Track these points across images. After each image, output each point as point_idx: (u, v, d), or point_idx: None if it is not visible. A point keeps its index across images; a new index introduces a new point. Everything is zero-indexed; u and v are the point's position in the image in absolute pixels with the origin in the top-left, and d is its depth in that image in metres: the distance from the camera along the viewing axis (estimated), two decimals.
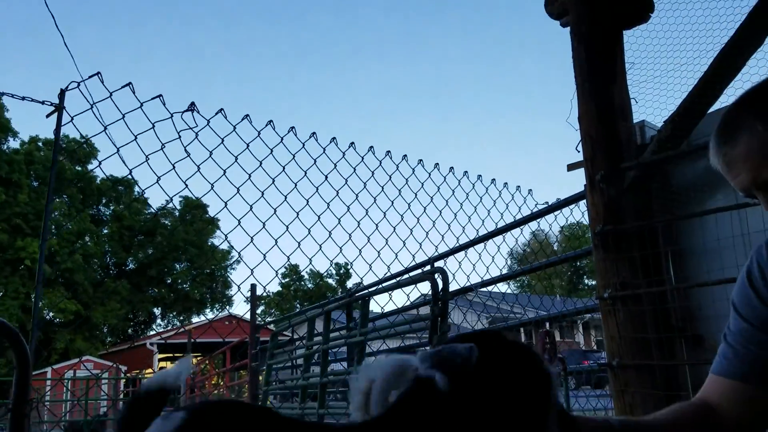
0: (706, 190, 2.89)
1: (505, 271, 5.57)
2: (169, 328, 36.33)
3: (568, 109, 3.41)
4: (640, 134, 3.10)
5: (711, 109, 2.80)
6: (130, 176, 3.01)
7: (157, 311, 37.97)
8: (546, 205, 4.22)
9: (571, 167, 3.44)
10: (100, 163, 3.51)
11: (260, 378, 8.14)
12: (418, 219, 4.23)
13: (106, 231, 34.99)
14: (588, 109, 3.02)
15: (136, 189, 33.01)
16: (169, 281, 36.51)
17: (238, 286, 9.26)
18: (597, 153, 2.98)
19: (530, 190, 4.80)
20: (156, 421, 0.87)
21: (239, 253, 3.62)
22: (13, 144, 30.45)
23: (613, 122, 2.98)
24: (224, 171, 3.21)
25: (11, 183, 28.89)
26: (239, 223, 3.34)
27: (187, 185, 3.09)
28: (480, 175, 4.61)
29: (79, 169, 33.42)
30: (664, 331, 3.14)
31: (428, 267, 4.23)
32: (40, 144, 30.90)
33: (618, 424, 1.23)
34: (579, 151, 3.12)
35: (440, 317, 3.42)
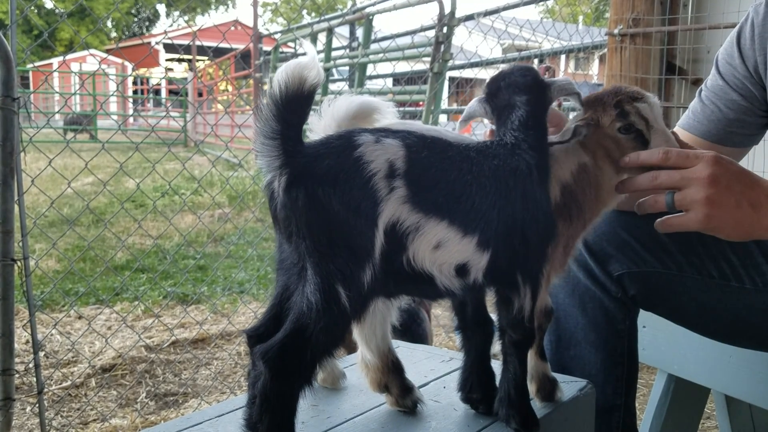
0: None
1: None
2: (173, 27, 35.59)
3: None
4: None
5: None
6: None
7: (161, 8, 36.89)
8: None
9: None
10: None
11: (264, 88, 8.22)
12: None
13: None
14: None
15: None
16: None
17: None
18: None
19: None
20: (365, 141, 0.87)
21: None
22: None
23: None
24: None
25: None
26: None
27: None
28: None
29: None
30: (667, 73, 3.14)
31: None
32: None
33: None
34: None
35: (443, 43, 3.34)
